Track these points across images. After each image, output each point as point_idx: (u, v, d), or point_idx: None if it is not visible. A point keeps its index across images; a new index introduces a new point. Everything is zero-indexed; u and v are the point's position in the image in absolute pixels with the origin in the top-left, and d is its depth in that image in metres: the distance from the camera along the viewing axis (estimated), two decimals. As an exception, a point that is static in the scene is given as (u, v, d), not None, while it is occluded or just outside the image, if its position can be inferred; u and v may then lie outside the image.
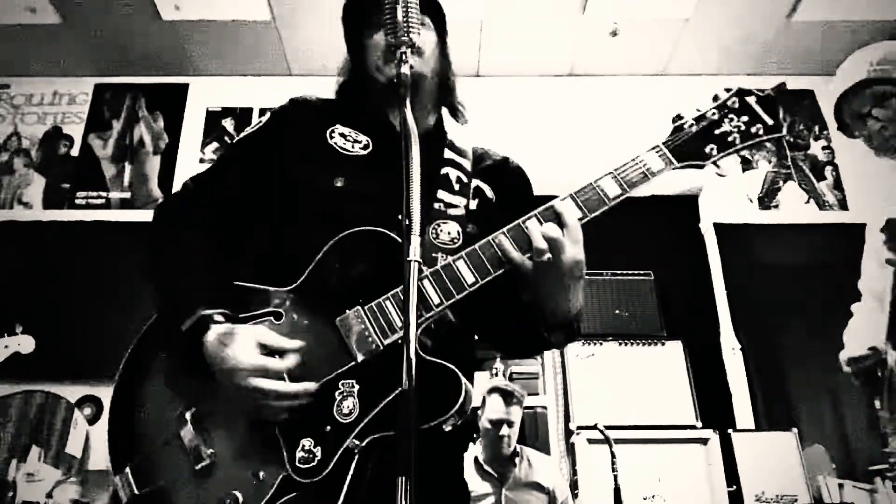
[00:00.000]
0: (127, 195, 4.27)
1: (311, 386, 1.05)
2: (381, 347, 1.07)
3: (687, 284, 4.09)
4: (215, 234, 1.25)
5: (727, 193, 4.28)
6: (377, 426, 1.03)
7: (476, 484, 3.06)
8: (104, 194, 4.28)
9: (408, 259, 0.89)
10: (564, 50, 4.38)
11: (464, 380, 1.03)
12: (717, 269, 4.11)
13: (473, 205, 1.31)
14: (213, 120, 4.46)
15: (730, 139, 1.20)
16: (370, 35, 1.32)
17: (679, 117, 1.22)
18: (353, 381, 1.06)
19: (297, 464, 1.02)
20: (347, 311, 1.10)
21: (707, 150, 1.20)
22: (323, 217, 1.18)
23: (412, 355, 0.82)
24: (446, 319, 1.15)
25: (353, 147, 1.29)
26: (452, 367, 1.04)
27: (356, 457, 1.01)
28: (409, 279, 0.88)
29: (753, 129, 1.20)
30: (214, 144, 4.40)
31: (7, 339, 3.19)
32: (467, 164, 1.36)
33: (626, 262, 4.01)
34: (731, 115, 1.22)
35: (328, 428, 1.03)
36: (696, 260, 4.16)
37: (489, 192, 1.35)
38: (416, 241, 0.90)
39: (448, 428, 1.04)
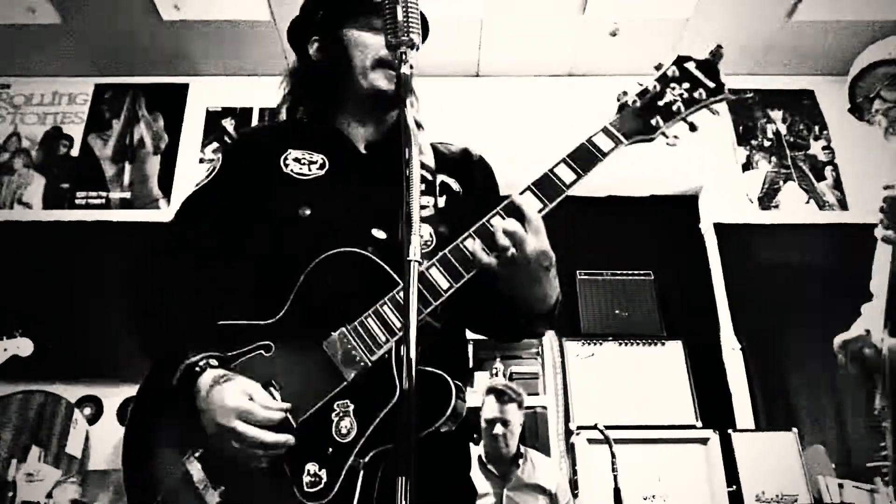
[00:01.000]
0: (127, 195, 4.27)
1: (289, 439, 1.05)
2: (370, 364, 1.08)
3: (687, 284, 4.09)
4: (195, 278, 1.26)
5: (727, 193, 4.29)
6: (377, 441, 1.04)
7: (478, 483, 3.06)
8: (104, 194, 4.28)
9: (408, 259, 0.89)
10: (564, 50, 4.38)
11: (453, 385, 1.05)
12: (717, 269, 4.11)
13: (442, 202, 1.31)
14: (213, 120, 4.46)
15: (674, 108, 1.20)
16: (358, 31, 1.31)
17: (623, 94, 1.23)
18: (348, 401, 1.07)
19: (305, 489, 1.03)
20: (332, 333, 1.11)
21: (653, 122, 1.20)
22: (297, 248, 1.19)
23: (412, 355, 0.83)
24: (430, 326, 1.15)
25: (309, 169, 1.29)
26: (441, 373, 1.05)
27: (361, 473, 1.02)
28: (409, 279, 0.88)
29: (696, 94, 1.21)
30: (214, 144, 4.40)
31: (6, 342, 3.19)
32: (430, 161, 1.35)
33: (626, 262, 4.02)
34: (672, 84, 1.22)
35: (330, 450, 1.05)
36: (696, 260, 4.16)
37: (455, 186, 1.35)
38: (416, 241, 0.90)
39: (444, 429, 1.05)
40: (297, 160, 1.30)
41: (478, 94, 4.48)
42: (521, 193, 1.13)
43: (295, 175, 1.28)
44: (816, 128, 4.48)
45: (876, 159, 4.12)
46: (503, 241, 1.07)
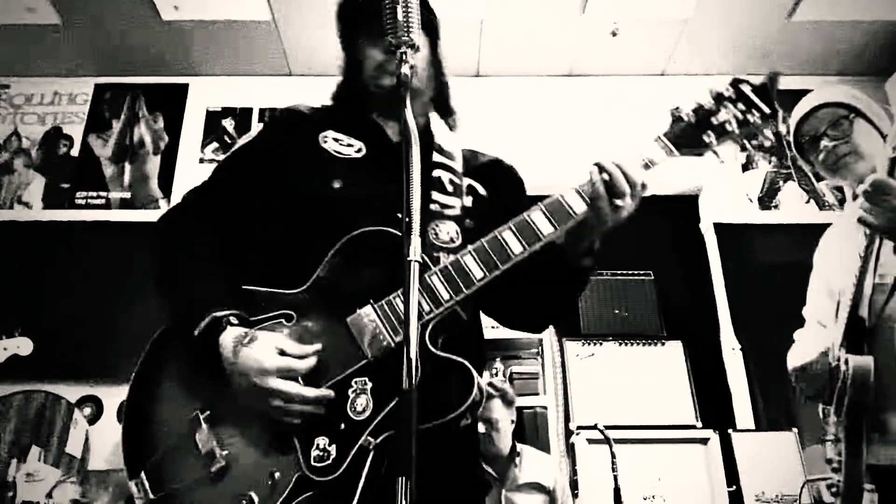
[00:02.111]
0: (127, 195, 4.27)
1: (330, 393, 1.06)
2: (393, 345, 1.07)
3: (687, 284, 4.09)
4: (219, 241, 1.26)
5: (727, 193, 4.29)
6: (391, 423, 1.03)
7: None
8: (104, 194, 4.28)
9: (408, 259, 0.90)
10: (564, 50, 4.38)
11: (476, 375, 1.04)
12: (717, 269, 4.11)
13: (468, 202, 1.33)
14: (213, 120, 4.46)
15: (727, 127, 1.23)
16: (365, 45, 1.36)
17: (677, 109, 1.27)
18: (366, 379, 1.07)
19: (312, 462, 1.02)
20: (358, 310, 1.10)
21: (705, 138, 1.23)
22: (324, 219, 1.20)
23: (413, 355, 0.83)
24: (458, 316, 1.15)
25: (347, 150, 1.32)
26: (465, 362, 1.04)
27: (371, 454, 1.01)
28: (409, 279, 0.88)
29: (750, 117, 1.23)
30: (214, 144, 4.40)
31: (5, 341, 3.20)
32: (457, 166, 1.38)
33: (626, 262, 4.01)
34: (727, 104, 1.25)
35: (342, 426, 1.04)
36: (696, 260, 4.16)
37: (482, 190, 1.38)
38: (416, 241, 0.90)
39: (464, 422, 1.06)
40: (336, 140, 1.33)
41: (478, 94, 4.47)
42: (567, 193, 1.18)
43: (332, 152, 1.31)
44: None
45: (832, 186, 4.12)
46: (624, 187, 1.14)
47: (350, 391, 1.06)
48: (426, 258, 1.10)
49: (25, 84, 4.56)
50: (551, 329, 3.84)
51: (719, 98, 1.25)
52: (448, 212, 1.28)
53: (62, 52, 4.36)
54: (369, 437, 1.02)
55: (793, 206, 4.25)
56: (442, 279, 1.10)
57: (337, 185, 1.24)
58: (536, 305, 1.38)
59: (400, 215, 1.17)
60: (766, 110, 1.24)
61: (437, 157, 1.36)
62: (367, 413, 1.04)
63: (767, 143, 1.24)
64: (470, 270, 1.10)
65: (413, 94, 1.30)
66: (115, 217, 4.17)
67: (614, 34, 4.16)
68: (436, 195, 1.29)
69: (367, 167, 1.30)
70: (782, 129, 4.75)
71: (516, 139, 4.12)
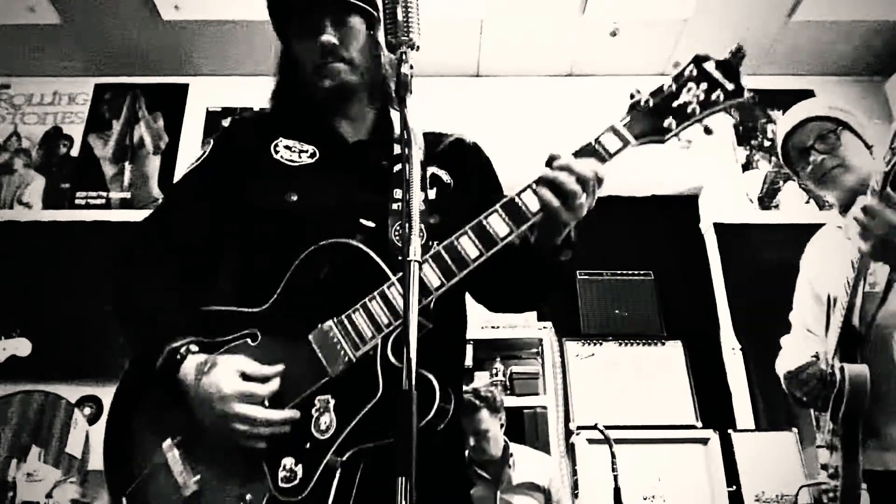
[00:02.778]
0: (127, 195, 4.27)
1: (293, 414, 1.06)
2: (354, 360, 1.07)
3: (687, 284, 4.09)
4: (178, 266, 1.25)
5: (727, 193, 4.28)
6: (357, 439, 1.02)
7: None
8: (104, 194, 4.27)
9: (408, 259, 0.89)
10: (564, 50, 4.38)
11: (436, 384, 1.01)
12: (717, 269, 4.11)
13: (432, 194, 1.28)
14: (213, 120, 4.46)
15: (689, 110, 1.15)
16: (299, 42, 1.31)
17: (637, 92, 1.19)
18: (329, 397, 1.06)
19: (279, 483, 1.02)
20: (320, 325, 1.09)
21: (665, 123, 1.15)
22: (284, 234, 1.18)
23: (412, 355, 0.82)
24: (421, 325, 1.13)
25: (300, 157, 1.28)
26: (426, 373, 1.00)
27: (338, 472, 1.01)
28: (408, 279, 0.87)
29: (714, 96, 1.15)
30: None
31: (4, 342, 3.20)
32: (419, 154, 1.31)
33: (626, 262, 4.01)
34: (689, 85, 1.16)
35: (308, 445, 1.04)
36: (696, 260, 4.16)
37: (446, 177, 1.32)
38: (416, 241, 0.90)
39: (440, 426, 1.04)
40: (287, 147, 1.30)
41: (478, 94, 4.47)
42: (523, 191, 1.13)
43: (284, 161, 1.27)
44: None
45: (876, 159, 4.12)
46: (574, 186, 1.08)
47: (314, 410, 1.06)
48: (386, 267, 1.09)
49: (25, 84, 4.56)
50: (551, 329, 3.84)
51: (679, 78, 1.17)
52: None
53: (62, 52, 4.36)
54: (335, 456, 1.01)
55: (793, 206, 4.25)
56: (432, 266, 1.08)
57: (294, 197, 1.21)
58: (519, 293, 1.35)
59: (363, 220, 1.17)
60: (731, 87, 1.17)
61: (397, 150, 1.30)
62: (332, 431, 1.03)
63: (733, 117, 1.18)
64: (428, 280, 1.07)
65: (353, 89, 1.30)
66: (115, 217, 4.17)
67: (614, 34, 4.16)
68: (398, 192, 1.24)
69: (323, 172, 1.27)
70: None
71: (516, 139, 4.12)
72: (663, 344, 3.77)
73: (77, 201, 4.25)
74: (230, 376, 1.06)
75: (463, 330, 1.34)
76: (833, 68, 4.42)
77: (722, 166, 4.36)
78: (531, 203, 1.11)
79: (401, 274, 1.07)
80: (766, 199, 4.28)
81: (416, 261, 0.89)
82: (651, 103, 1.16)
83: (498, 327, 3.79)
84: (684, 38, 4.26)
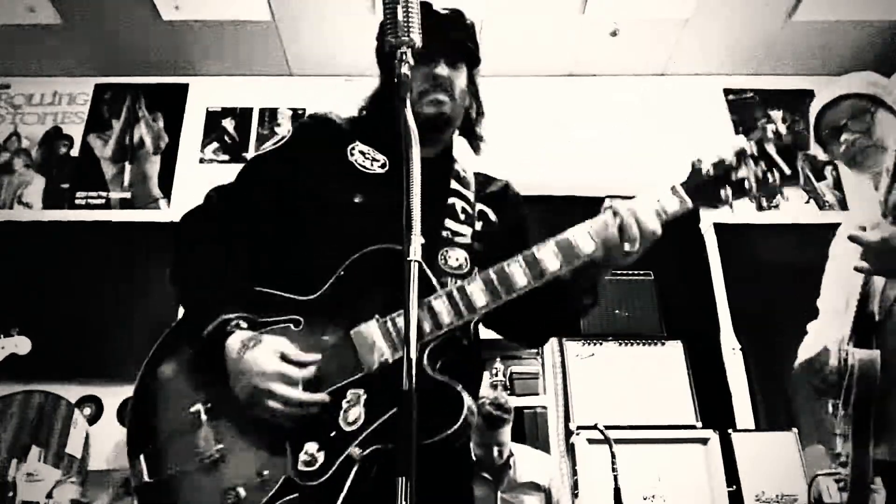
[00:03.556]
0: (127, 195, 4.27)
1: (325, 397, 1.09)
2: (391, 361, 1.10)
3: (687, 284, 4.09)
4: (237, 243, 1.29)
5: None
6: (381, 437, 1.05)
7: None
8: (104, 194, 4.27)
9: (408, 259, 0.90)
10: (564, 50, 4.38)
11: (467, 400, 1.06)
12: (717, 269, 4.11)
13: (479, 226, 1.37)
14: (213, 120, 4.46)
15: (745, 185, 1.23)
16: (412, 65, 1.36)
17: (698, 161, 1.26)
18: (362, 391, 1.09)
19: (299, 466, 1.05)
20: (362, 323, 1.13)
21: (722, 193, 1.23)
22: (342, 231, 1.23)
23: (413, 355, 0.83)
24: (457, 341, 1.18)
25: (371, 165, 1.34)
26: (456, 385, 1.07)
27: (357, 465, 1.03)
28: (409, 279, 0.88)
29: (769, 177, 1.24)
30: (214, 144, 4.40)
31: (3, 340, 3.19)
32: (470, 195, 1.41)
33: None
34: (748, 162, 1.24)
35: (333, 434, 1.07)
36: (696, 260, 4.16)
37: (492, 216, 1.42)
38: (416, 241, 0.90)
39: (456, 443, 1.07)
40: (362, 153, 1.35)
41: (478, 94, 4.47)
42: (578, 230, 1.19)
43: (357, 166, 1.33)
44: (816, 128, 4.48)
45: (865, 175, 4.11)
46: (635, 234, 1.15)
47: (344, 401, 1.09)
48: (434, 281, 1.14)
49: (25, 84, 4.56)
50: (551, 329, 3.83)
51: (741, 154, 1.24)
52: (458, 239, 1.31)
53: (62, 52, 4.36)
54: (357, 448, 1.04)
55: (793, 206, 4.25)
56: (446, 303, 1.13)
57: (358, 199, 1.27)
58: (535, 328, 1.42)
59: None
60: (787, 171, 1.25)
61: (453, 185, 1.40)
62: (359, 424, 1.07)
63: (784, 202, 1.27)
64: (473, 298, 1.13)
65: (447, 121, 1.38)
66: (115, 217, 4.17)
67: (614, 34, 4.16)
68: (448, 222, 1.33)
69: (390, 184, 1.29)
70: (782, 129, 4.73)
71: (516, 139, 4.12)
72: (663, 344, 3.77)
73: (77, 201, 4.25)
74: (271, 355, 1.09)
75: (479, 351, 1.38)
76: (833, 68, 4.41)
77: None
78: (585, 245, 1.17)
79: (446, 290, 1.14)
80: (766, 199, 4.28)
81: (416, 261, 0.89)
82: (712, 174, 1.24)
83: (498, 327, 3.79)
84: (684, 38, 4.26)
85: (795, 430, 3.38)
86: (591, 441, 3.32)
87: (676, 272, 4.09)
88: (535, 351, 3.86)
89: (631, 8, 4.00)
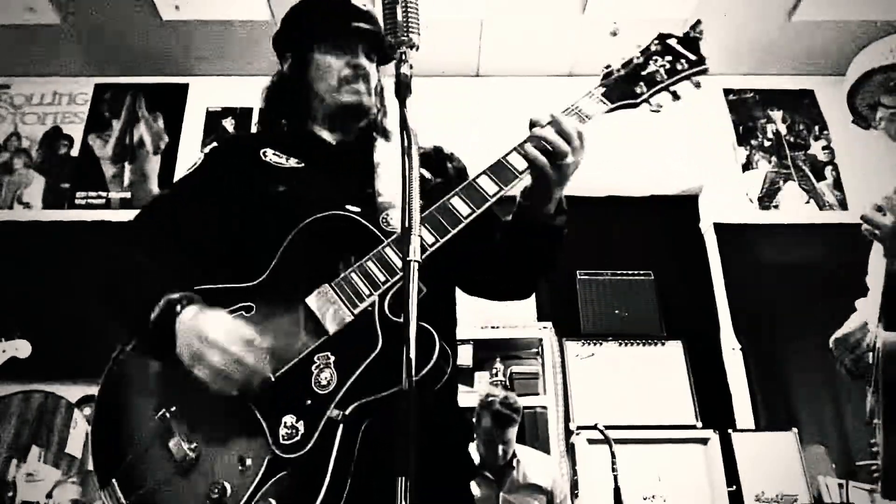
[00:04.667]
0: (127, 195, 4.27)
1: (268, 374, 1.06)
2: (353, 316, 1.10)
3: (687, 284, 4.09)
4: (172, 254, 1.28)
5: (727, 193, 4.29)
6: (358, 393, 1.04)
7: (473, 487, 3.04)
8: (104, 194, 4.28)
9: (407, 259, 0.89)
10: (564, 50, 4.38)
11: (437, 339, 1.03)
12: (717, 269, 4.11)
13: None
14: (213, 120, 4.46)
15: (657, 77, 1.30)
16: (325, 54, 1.41)
17: (608, 66, 1.33)
18: (328, 353, 1.08)
19: (281, 441, 1.02)
20: (316, 289, 1.13)
21: (637, 89, 1.29)
22: (272, 217, 1.23)
23: (412, 356, 0.82)
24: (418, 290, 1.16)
25: (287, 161, 1.36)
26: (425, 325, 1.02)
27: (341, 426, 1.02)
28: (408, 280, 0.87)
29: (678, 66, 1.30)
30: (214, 144, 4.39)
31: (4, 343, 3.19)
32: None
33: (626, 262, 4.01)
34: (655, 57, 1.32)
35: (308, 402, 1.04)
36: (696, 260, 4.16)
37: (427, 175, 1.41)
38: (416, 241, 0.90)
39: (437, 386, 1.05)
40: (275, 154, 1.37)
41: (478, 94, 4.47)
42: (509, 153, 1.23)
43: (273, 163, 1.35)
44: (816, 128, 4.48)
45: (876, 159, 4.12)
46: (560, 143, 1.17)
47: (313, 367, 1.07)
48: (380, 234, 1.16)
49: (25, 84, 4.56)
50: (551, 329, 3.84)
51: (646, 51, 1.32)
52: (396, 200, 1.31)
53: (62, 52, 4.36)
54: (336, 409, 1.03)
55: (793, 206, 4.25)
56: (395, 249, 1.13)
57: (281, 188, 1.29)
58: (518, 271, 1.39)
59: (349, 206, 1.24)
60: (693, 57, 1.31)
61: (378, 152, 1.43)
62: (332, 386, 1.05)
63: (696, 88, 1.30)
64: (422, 237, 1.10)
65: (364, 112, 1.41)
66: (115, 217, 4.17)
67: (614, 34, 4.15)
68: (378, 185, 1.34)
69: (308, 175, 1.34)
70: (782, 129, 4.74)
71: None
72: (663, 344, 3.77)
73: (77, 201, 4.25)
74: (220, 316, 1.09)
75: (454, 301, 1.38)
76: (833, 68, 4.41)
77: (722, 166, 4.36)
78: (517, 163, 1.21)
79: (395, 236, 1.15)
80: (766, 199, 4.29)
81: (416, 261, 0.88)
82: (623, 72, 1.32)
83: (498, 327, 3.79)
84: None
85: (795, 430, 3.39)
86: (591, 441, 3.32)
87: (676, 272, 4.10)
88: (535, 351, 3.86)
89: (631, 8, 4.01)
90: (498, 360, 3.79)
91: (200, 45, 4.32)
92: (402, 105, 1.04)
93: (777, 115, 4.53)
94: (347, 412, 1.03)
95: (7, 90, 4.55)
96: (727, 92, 4.56)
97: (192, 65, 4.49)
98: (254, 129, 1.49)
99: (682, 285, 4.06)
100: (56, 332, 3.62)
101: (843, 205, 4.24)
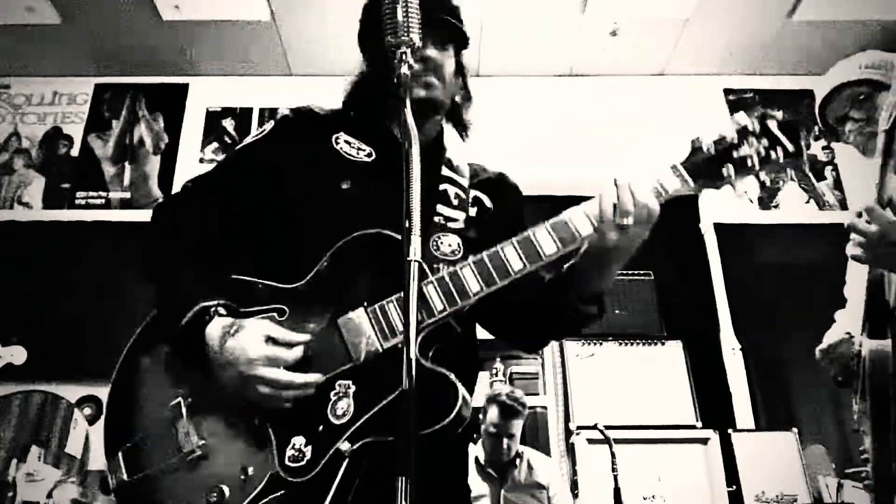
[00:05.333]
0: (127, 195, 4.27)
1: (318, 377, 1.05)
2: (381, 350, 1.07)
3: (687, 284, 4.08)
4: (215, 233, 1.25)
5: (727, 193, 4.28)
6: (371, 430, 1.02)
7: (475, 484, 3.06)
8: (104, 194, 4.28)
9: (408, 259, 0.89)
10: (564, 50, 4.38)
11: (461, 390, 1.02)
12: (717, 269, 4.11)
13: (472, 212, 1.33)
14: (213, 120, 4.46)
15: (748, 162, 1.20)
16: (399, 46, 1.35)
17: (698, 139, 1.22)
18: (350, 383, 1.06)
19: (286, 462, 1.01)
20: (350, 312, 1.10)
21: (724, 171, 1.20)
22: (328, 218, 1.19)
23: (412, 356, 0.82)
24: (451, 328, 1.14)
25: (357, 153, 1.30)
26: (449, 374, 1.02)
27: (346, 461, 1.00)
28: (409, 279, 0.87)
29: (773, 155, 1.20)
30: (214, 144, 4.40)
31: (1, 349, 3.17)
32: (464, 181, 1.38)
33: (627, 262, 4.01)
34: (750, 139, 1.20)
35: (321, 428, 1.03)
36: (696, 260, 4.16)
37: (487, 202, 1.38)
38: (416, 241, 0.89)
39: (451, 435, 1.03)
40: (347, 142, 1.31)
41: (478, 94, 4.46)
42: (574, 211, 1.16)
43: (343, 154, 1.29)
44: (816, 128, 4.48)
45: (876, 160, 4.11)
46: (630, 207, 1.10)
47: (332, 394, 1.05)
48: (426, 267, 1.09)
49: (25, 84, 4.56)
50: (551, 329, 3.83)
51: (743, 132, 1.20)
52: (451, 224, 1.28)
53: (62, 52, 4.36)
54: (346, 443, 1.01)
55: (793, 206, 4.25)
56: (438, 289, 1.09)
57: (345, 185, 1.23)
58: (532, 329, 1.37)
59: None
60: (791, 148, 1.20)
61: (445, 171, 1.36)
62: (348, 417, 1.03)
63: (788, 181, 1.21)
64: (467, 283, 1.09)
65: (437, 106, 1.34)
66: (115, 217, 4.17)
67: (614, 34, 4.16)
68: (441, 208, 1.29)
69: (377, 172, 1.28)
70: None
71: (516, 139, 4.12)
72: (663, 344, 3.77)
73: (77, 201, 4.25)
74: (256, 340, 1.05)
75: (476, 345, 1.35)
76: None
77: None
78: (581, 225, 1.14)
79: (437, 276, 1.10)
80: (766, 199, 4.28)
81: (416, 261, 0.88)
82: (713, 151, 1.20)
83: (498, 327, 3.79)
84: (684, 38, 4.26)
85: (795, 430, 3.39)
86: (591, 441, 3.32)
87: (676, 272, 4.09)
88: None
89: (631, 8, 4.00)
90: (498, 359, 3.80)
91: (200, 45, 4.32)
92: (403, 105, 1.04)
93: (777, 115, 4.52)
94: (355, 447, 1.01)
95: (7, 90, 4.55)
96: (727, 92, 4.56)
97: (192, 65, 4.49)
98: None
99: (682, 285, 4.06)
100: (56, 332, 3.62)
101: (843, 205, 4.24)
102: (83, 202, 4.25)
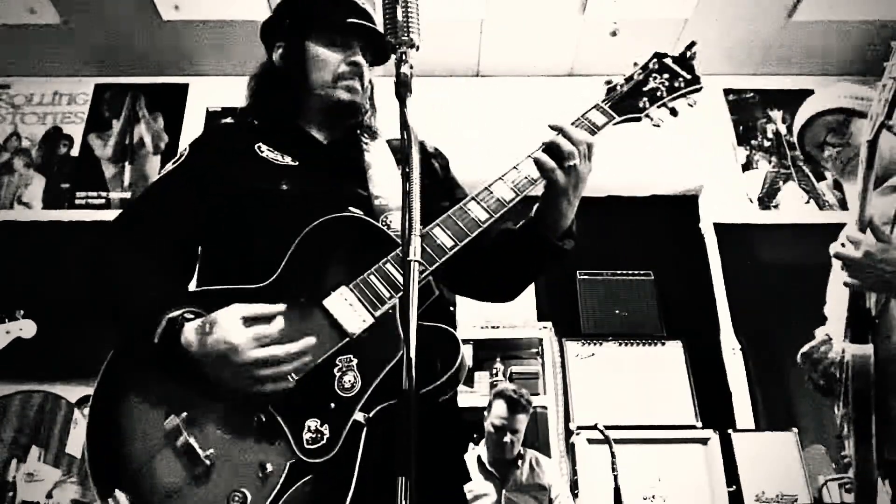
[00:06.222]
0: (127, 195, 4.27)
1: (312, 339, 1.05)
2: (374, 319, 1.10)
3: (687, 284, 4.09)
4: (163, 254, 1.25)
5: (727, 193, 4.28)
6: (382, 396, 1.04)
7: (477, 484, 3.06)
8: (104, 194, 4.28)
9: (408, 259, 0.89)
10: (564, 50, 4.38)
11: (460, 340, 1.06)
12: (717, 269, 4.11)
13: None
14: (213, 120, 4.46)
15: (657, 93, 1.39)
16: (323, 47, 1.38)
17: (610, 82, 1.43)
18: (350, 356, 1.08)
19: (305, 445, 1.01)
20: (332, 292, 1.12)
21: (640, 104, 1.38)
22: (279, 216, 1.21)
23: (412, 356, 0.82)
24: (430, 289, 1.19)
25: (282, 158, 1.33)
26: (448, 328, 1.07)
27: (365, 429, 1.02)
28: (409, 279, 0.87)
29: (676, 84, 1.42)
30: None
31: (8, 324, 3.04)
32: (389, 159, 1.41)
33: (626, 262, 4.01)
34: (654, 75, 1.42)
35: (332, 405, 1.04)
36: (696, 260, 4.16)
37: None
38: (416, 241, 0.89)
39: (443, 397, 1.06)
40: (269, 150, 1.34)
41: (478, 94, 4.47)
42: (522, 161, 1.28)
43: (270, 160, 1.32)
44: (816, 128, 4.48)
45: (855, 185, 4.11)
46: (569, 147, 1.21)
47: (335, 370, 1.07)
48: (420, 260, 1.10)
49: (25, 84, 4.56)
50: (551, 329, 3.83)
51: (645, 68, 1.43)
52: (392, 202, 1.31)
53: (62, 52, 4.36)
54: (361, 412, 1.02)
55: (793, 206, 4.25)
56: (444, 229, 1.16)
57: (285, 186, 1.26)
58: (511, 277, 1.41)
59: (352, 209, 1.23)
60: (689, 76, 1.44)
61: (367, 158, 1.40)
62: (357, 389, 1.04)
63: (691, 105, 1.43)
64: (441, 241, 1.15)
65: (357, 110, 1.39)
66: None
67: (614, 34, 4.16)
68: (374, 188, 1.34)
69: (304, 172, 1.32)
70: (782, 129, 4.74)
71: (516, 139, 4.12)
72: (663, 344, 3.77)
73: (77, 201, 4.25)
74: (234, 326, 1.04)
75: (452, 308, 1.38)
76: (833, 68, 4.41)
77: (722, 166, 4.35)
78: (531, 171, 1.25)
79: (444, 215, 1.17)
80: (766, 199, 4.28)
81: (416, 261, 0.88)
82: (626, 88, 1.41)
83: (498, 327, 3.79)
84: (684, 38, 4.25)
85: (795, 430, 3.39)
86: (591, 441, 3.32)
87: (676, 272, 4.10)
88: (535, 351, 3.86)
89: (631, 8, 4.00)
90: (498, 360, 3.79)
91: (200, 44, 4.32)
92: (403, 105, 1.04)
93: (777, 115, 4.53)
94: (371, 415, 1.02)
95: (7, 90, 4.55)
96: (727, 92, 4.56)
97: (192, 65, 4.49)
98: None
99: (682, 285, 4.06)
100: (56, 332, 3.62)
101: (843, 205, 4.24)
102: (83, 202, 4.25)
